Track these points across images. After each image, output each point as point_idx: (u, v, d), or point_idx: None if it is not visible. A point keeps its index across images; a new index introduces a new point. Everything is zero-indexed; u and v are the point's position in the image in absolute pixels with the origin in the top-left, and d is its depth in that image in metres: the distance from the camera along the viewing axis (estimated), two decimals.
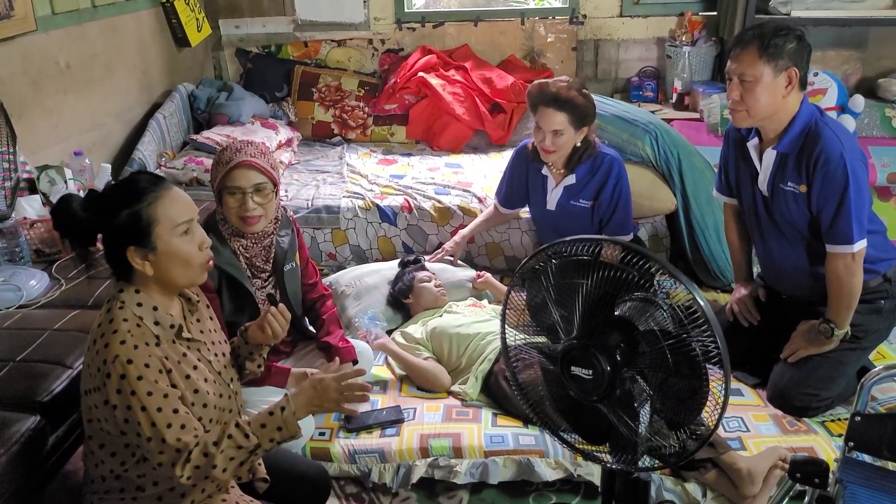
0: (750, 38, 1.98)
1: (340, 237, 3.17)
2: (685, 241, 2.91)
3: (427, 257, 2.90)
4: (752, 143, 2.16)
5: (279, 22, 4.13)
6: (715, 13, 3.79)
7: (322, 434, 2.11)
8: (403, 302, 2.64)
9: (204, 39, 3.93)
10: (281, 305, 1.68)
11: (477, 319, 2.45)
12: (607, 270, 1.31)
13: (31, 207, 2.52)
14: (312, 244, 3.18)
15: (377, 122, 4.01)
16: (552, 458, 1.97)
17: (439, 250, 2.93)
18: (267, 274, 2.19)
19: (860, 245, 1.96)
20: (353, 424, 2.13)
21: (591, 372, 1.32)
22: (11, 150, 2.14)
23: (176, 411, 1.40)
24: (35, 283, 2.28)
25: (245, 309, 2.13)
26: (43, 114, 2.73)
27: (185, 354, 1.49)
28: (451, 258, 2.90)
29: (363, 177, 3.44)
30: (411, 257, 2.81)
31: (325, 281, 2.84)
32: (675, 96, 3.74)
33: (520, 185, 2.79)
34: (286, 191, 3.29)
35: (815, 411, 2.11)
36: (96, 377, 1.39)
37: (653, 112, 3.57)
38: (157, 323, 1.45)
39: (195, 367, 1.51)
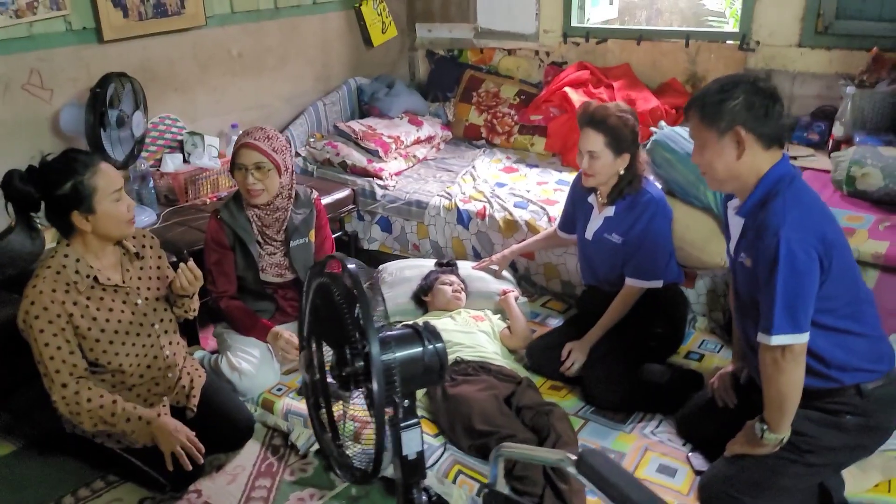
0: (693, 100, 1.79)
1: (423, 231, 3.42)
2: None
3: (473, 264, 3.02)
4: (731, 204, 1.93)
5: (463, 28, 4.45)
6: None
7: (279, 389, 2.44)
8: (423, 298, 2.83)
9: (391, 40, 4.42)
10: (190, 262, 2.04)
11: (461, 329, 2.55)
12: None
13: (172, 163, 3.24)
14: (401, 233, 3.49)
15: (522, 130, 4.12)
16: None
17: (486, 259, 3.02)
18: (279, 242, 2.57)
19: (781, 340, 1.64)
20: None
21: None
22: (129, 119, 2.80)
23: (59, 348, 1.85)
24: (144, 217, 2.98)
25: (251, 267, 2.54)
26: (206, 91, 3.44)
27: (101, 298, 1.94)
28: (496, 268, 2.97)
29: (474, 180, 3.62)
30: (445, 260, 2.96)
31: (381, 266, 3.14)
32: (831, 143, 3.21)
33: (572, 210, 2.77)
34: (396, 181, 3.62)
35: None
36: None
37: (794, 157, 3.14)
38: (77, 272, 1.89)
39: (110, 310, 1.95)
